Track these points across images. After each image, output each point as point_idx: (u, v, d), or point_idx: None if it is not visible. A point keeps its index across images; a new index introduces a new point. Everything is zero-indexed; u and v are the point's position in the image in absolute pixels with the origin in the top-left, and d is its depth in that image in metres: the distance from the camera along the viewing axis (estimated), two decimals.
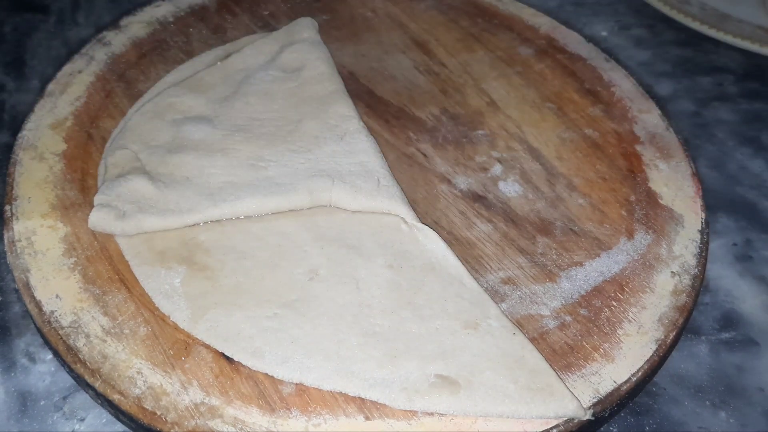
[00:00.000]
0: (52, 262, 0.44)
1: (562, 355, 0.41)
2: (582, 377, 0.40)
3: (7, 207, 0.47)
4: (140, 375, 0.39)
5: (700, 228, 0.49)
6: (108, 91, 0.55)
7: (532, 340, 0.41)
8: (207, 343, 0.40)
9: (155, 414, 0.38)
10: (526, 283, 0.45)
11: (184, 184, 0.47)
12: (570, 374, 0.40)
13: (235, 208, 0.46)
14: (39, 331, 0.42)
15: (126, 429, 0.41)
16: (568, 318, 0.43)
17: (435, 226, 0.47)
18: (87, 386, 0.40)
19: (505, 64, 0.60)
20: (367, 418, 0.38)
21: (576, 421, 0.38)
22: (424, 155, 0.53)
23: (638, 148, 0.54)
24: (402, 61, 0.60)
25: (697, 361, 0.47)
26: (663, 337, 0.42)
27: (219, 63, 0.57)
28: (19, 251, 0.44)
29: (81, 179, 0.49)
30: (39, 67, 0.65)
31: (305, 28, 0.60)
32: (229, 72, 0.56)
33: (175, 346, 0.41)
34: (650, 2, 0.75)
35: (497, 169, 0.52)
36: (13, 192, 0.47)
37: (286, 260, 0.44)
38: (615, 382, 0.40)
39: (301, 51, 0.57)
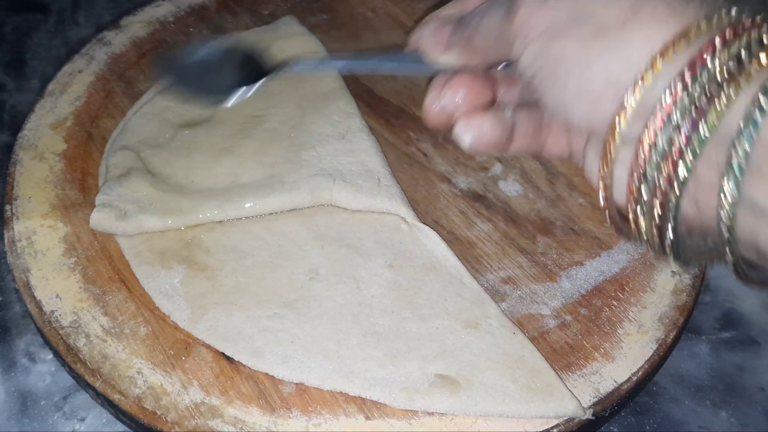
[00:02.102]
0: (52, 262, 0.44)
1: (563, 354, 0.41)
2: (582, 377, 0.40)
3: (7, 207, 0.47)
4: (140, 375, 0.39)
5: None
6: (108, 90, 0.55)
7: (533, 339, 0.41)
8: (207, 342, 0.40)
9: (155, 414, 0.38)
10: (527, 283, 0.45)
11: (185, 184, 0.47)
12: (570, 374, 0.40)
13: (237, 208, 0.46)
14: (39, 331, 0.42)
15: (126, 429, 0.41)
16: (568, 317, 0.43)
17: (435, 225, 0.47)
18: (87, 386, 0.40)
19: None
20: (367, 418, 0.38)
21: (576, 420, 0.38)
22: (425, 154, 0.53)
23: None
24: None
25: (698, 361, 0.47)
26: (663, 336, 0.42)
27: None
28: (19, 251, 0.44)
29: (81, 179, 0.49)
30: (39, 67, 0.65)
31: (291, 25, 0.59)
32: None
33: (176, 345, 0.41)
34: None
35: (497, 168, 0.52)
36: (13, 192, 0.47)
37: (287, 260, 0.44)
38: (615, 382, 0.40)
39: (295, 46, 0.57)
